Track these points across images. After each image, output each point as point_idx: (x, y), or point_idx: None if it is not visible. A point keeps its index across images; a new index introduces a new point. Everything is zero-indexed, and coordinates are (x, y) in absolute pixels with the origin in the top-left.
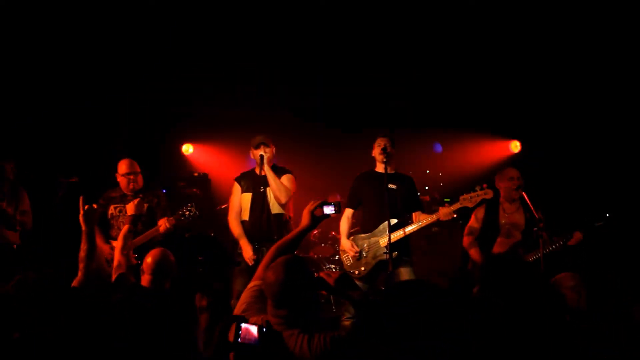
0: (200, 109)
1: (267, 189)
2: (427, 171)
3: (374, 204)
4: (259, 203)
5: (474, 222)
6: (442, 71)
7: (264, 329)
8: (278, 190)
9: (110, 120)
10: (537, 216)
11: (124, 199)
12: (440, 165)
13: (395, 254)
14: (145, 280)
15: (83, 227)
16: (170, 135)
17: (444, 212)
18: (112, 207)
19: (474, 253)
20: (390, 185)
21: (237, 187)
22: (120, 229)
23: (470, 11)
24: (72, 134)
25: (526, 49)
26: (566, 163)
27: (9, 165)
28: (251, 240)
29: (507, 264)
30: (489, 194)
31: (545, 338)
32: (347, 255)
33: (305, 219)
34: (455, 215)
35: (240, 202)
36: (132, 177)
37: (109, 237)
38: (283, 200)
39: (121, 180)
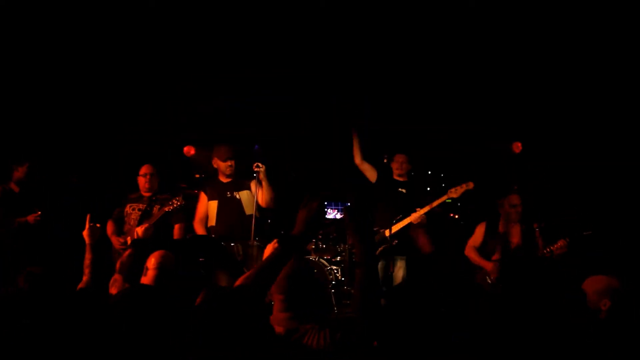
0: (203, 111)
1: (239, 194)
2: (429, 172)
3: (388, 207)
4: (229, 207)
5: (477, 236)
6: (443, 71)
7: (350, 207)
8: (271, 200)
9: (111, 122)
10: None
11: (140, 200)
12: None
13: (395, 241)
14: (148, 278)
15: (87, 241)
16: (171, 137)
17: (416, 216)
18: (128, 205)
19: (474, 256)
20: (400, 189)
21: (203, 196)
22: (131, 225)
23: (470, 11)
24: (73, 135)
25: (529, 48)
26: (567, 164)
27: (23, 167)
28: (224, 239)
29: (521, 261)
30: (470, 185)
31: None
32: None
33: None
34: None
35: (207, 209)
36: (147, 177)
37: (120, 233)
38: (274, 206)
39: (139, 180)
